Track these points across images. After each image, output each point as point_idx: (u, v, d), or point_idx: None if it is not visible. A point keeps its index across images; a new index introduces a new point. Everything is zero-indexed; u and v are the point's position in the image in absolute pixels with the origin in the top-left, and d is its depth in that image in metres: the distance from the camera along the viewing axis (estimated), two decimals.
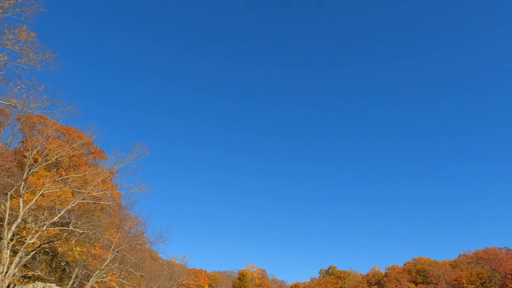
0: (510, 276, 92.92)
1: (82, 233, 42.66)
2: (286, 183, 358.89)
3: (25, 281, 42.31)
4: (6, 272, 34.53)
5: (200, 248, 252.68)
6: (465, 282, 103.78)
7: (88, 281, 45.58)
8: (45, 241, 40.48)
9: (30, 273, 40.82)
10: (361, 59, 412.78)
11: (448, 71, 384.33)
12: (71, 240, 44.95)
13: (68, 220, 41.37)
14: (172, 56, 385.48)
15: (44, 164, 41.70)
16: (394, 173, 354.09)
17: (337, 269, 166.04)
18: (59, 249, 45.61)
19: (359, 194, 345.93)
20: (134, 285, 54.34)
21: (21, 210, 36.56)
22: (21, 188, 38.57)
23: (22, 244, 37.38)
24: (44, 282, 44.29)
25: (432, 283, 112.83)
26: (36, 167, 40.10)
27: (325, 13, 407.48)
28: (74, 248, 45.99)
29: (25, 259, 37.10)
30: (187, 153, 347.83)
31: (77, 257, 46.39)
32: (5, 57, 28.03)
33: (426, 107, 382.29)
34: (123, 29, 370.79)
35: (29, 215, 38.81)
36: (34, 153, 39.85)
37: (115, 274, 48.28)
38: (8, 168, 45.00)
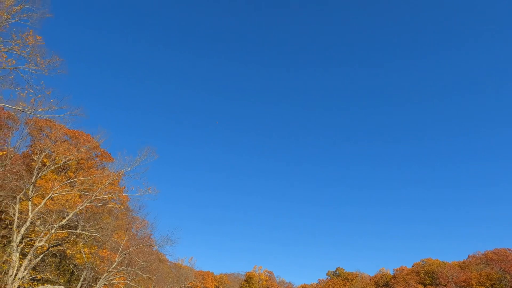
0: None
1: (90, 235, 42.91)
2: (292, 184, 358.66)
3: (34, 283, 42.63)
4: (16, 274, 34.82)
5: (207, 250, 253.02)
6: (474, 283, 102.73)
7: (96, 283, 45.83)
8: (54, 244, 40.78)
9: (39, 276, 41.12)
10: (361, 59, 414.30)
11: (448, 71, 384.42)
12: (79, 243, 45.23)
13: (76, 223, 41.64)
14: (172, 56, 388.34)
15: (52, 168, 42.06)
16: (401, 173, 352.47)
17: (344, 271, 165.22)
18: (68, 251, 45.91)
19: (367, 195, 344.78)
20: (142, 287, 54.50)
21: (29, 213, 36.88)
22: (30, 192, 38.92)
23: (31, 247, 37.69)
24: (53, 285, 44.62)
25: (441, 284, 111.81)
26: (44, 171, 40.46)
27: (325, 13, 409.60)
28: (82, 251, 46.26)
29: (34, 262, 37.39)
30: (191, 154, 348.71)
31: (85, 260, 46.67)
32: (13, 62, 28.37)
33: (433, 107, 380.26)
34: (122, 30, 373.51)
35: (37, 218, 39.13)
36: (42, 156, 40.21)
37: (122, 276, 48.49)
38: (17, 172, 45.47)
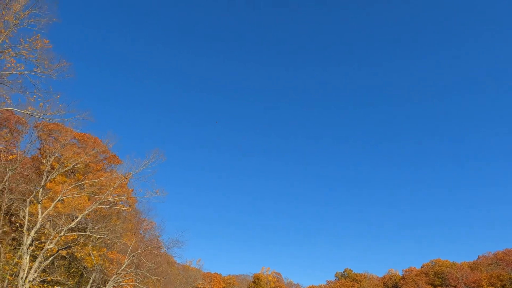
0: None
1: (98, 238, 43.24)
2: (299, 185, 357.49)
3: (44, 285, 43.05)
4: (26, 277, 35.20)
5: (215, 251, 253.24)
6: (485, 284, 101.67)
7: (105, 285, 46.16)
8: (63, 247, 41.16)
9: (49, 278, 41.52)
10: (361, 58, 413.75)
11: (449, 71, 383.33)
12: (88, 245, 45.62)
13: (85, 225, 42.00)
14: (173, 56, 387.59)
15: (61, 171, 42.49)
16: (410, 174, 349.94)
17: (353, 272, 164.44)
18: (77, 254, 46.32)
19: (375, 195, 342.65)
20: None
21: (39, 216, 37.27)
22: (39, 194, 39.34)
23: (41, 250, 38.07)
24: (63, 287, 45.05)
25: (451, 285, 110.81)
26: (53, 174, 40.88)
27: (325, 12, 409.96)
28: (91, 253, 46.64)
29: (44, 264, 37.77)
30: (198, 155, 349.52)
31: (94, 262, 47.03)
32: (22, 67, 28.78)
33: (437, 106, 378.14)
34: (121, 29, 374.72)
35: (47, 221, 39.54)
36: (51, 160, 40.64)
37: (131, 278, 48.78)
38: (27, 175, 46.01)
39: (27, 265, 35.51)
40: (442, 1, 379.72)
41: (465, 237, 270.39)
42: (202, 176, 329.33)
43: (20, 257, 37.45)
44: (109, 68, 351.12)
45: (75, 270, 53.11)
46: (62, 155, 41.91)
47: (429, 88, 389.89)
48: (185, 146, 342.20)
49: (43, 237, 40.48)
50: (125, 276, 47.32)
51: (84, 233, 40.92)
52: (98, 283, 47.89)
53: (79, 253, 46.11)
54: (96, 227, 41.83)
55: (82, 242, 44.39)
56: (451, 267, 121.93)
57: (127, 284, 47.44)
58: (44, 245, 37.87)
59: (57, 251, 40.11)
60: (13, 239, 45.96)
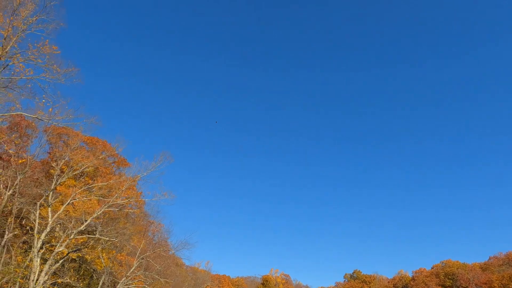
0: None
1: (108, 240, 43.56)
2: (308, 187, 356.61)
3: None
4: (37, 279, 35.58)
5: (223, 253, 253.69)
6: (496, 285, 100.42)
7: (115, 287, 46.46)
8: (73, 249, 41.52)
9: (59, 281, 41.89)
10: (362, 61, 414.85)
11: (450, 72, 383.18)
12: (98, 248, 45.96)
13: (95, 228, 42.34)
14: (174, 59, 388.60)
15: (71, 175, 42.93)
16: (419, 174, 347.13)
17: (362, 273, 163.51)
18: (87, 256, 46.70)
19: (384, 197, 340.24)
20: None
21: (49, 219, 37.67)
22: (50, 198, 39.76)
23: (51, 252, 38.45)
24: None
25: (462, 286, 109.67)
26: (63, 177, 41.30)
27: (326, 14, 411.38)
28: (101, 255, 46.98)
29: (54, 267, 38.14)
30: (205, 157, 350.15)
31: (104, 264, 47.36)
32: (31, 72, 29.16)
33: (441, 108, 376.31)
34: (122, 30, 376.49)
35: (57, 224, 39.93)
36: (61, 164, 41.08)
37: (140, 281, 49.03)
38: (37, 179, 46.54)
39: (38, 268, 35.88)
40: (443, 5, 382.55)
41: (476, 238, 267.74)
42: (209, 178, 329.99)
43: (31, 260, 37.86)
44: (111, 70, 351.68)
45: (85, 272, 53.53)
46: (71, 158, 42.35)
47: (430, 89, 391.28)
48: (191, 148, 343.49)
49: (53, 240, 40.88)
50: (134, 279, 47.59)
51: (94, 236, 41.25)
52: (108, 285, 48.22)
53: (89, 256, 46.47)
54: (105, 230, 42.15)
55: (92, 245, 44.75)
56: (462, 268, 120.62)
57: (136, 286, 47.71)
58: (54, 248, 38.25)
59: (67, 254, 40.48)
60: (24, 242, 46.48)
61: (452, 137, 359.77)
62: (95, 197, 42.90)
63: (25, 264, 40.97)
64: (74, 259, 48.48)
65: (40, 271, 36.30)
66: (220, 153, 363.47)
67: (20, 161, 42.57)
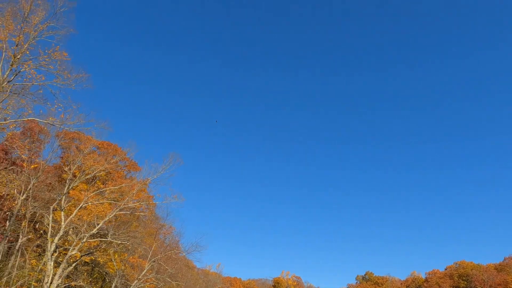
0: None
1: (120, 243, 43.88)
2: (319, 189, 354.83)
3: None
4: (51, 283, 36.01)
5: (234, 256, 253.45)
6: None
7: None
8: (86, 253, 41.94)
9: (72, 283, 42.34)
10: (363, 64, 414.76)
11: (451, 74, 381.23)
12: (110, 251, 46.35)
13: (106, 232, 42.70)
14: (173, 57, 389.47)
15: (83, 179, 43.42)
16: (431, 176, 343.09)
17: (374, 275, 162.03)
18: (99, 259, 47.13)
19: (396, 198, 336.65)
20: None
21: (62, 223, 38.12)
22: (62, 202, 40.25)
23: (65, 256, 38.90)
24: None
25: None
26: (75, 182, 41.78)
27: (327, 16, 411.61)
28: (113, 258, 47.37)
29: (67, 270, 38.56)
30: (214, 160, 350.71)
31: (116, 267, 47.73)
32: (43, 78, 29.62)
33: (447, 109, 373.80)
34: (122, 32, 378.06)
35: (70, 228, 40.40)
36: (74, 168, 41.56)
37: (152, 283, 49.29)
38: (50, 183, 47.17)
39: (52, 271, 36.30)
40: (442, 5, 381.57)
41: (490, 239, 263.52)
42: (220, 181, 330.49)
43: (45, 263, 38.32)
44: (111, 71, 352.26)
45: (98, 275, 54.03)
46: (83, 163, 42.83)
47: (431, 91, 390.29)
48: (198, 150, 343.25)
49: (66, 243, 41.36)
50: (146, 281, 47.88)
51: (106, 239, 41.61)
52: None
53: (102, 259, 46.89)
54: (117, 233, 42.48)
55: (104, 248, 45.14)
56: (476, 269, 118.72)
57: None
58: (67, 252, 38.69)
59: (80, 257, 40.92)
60: (38, 245, 47.10)
61: (467, 137, 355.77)
62: (107, 201, 43.30)
63: (39, 268, 41.49)
64: (87, 262, 48.96)
65: (54, 275, 36.72)
66: (228, 155, 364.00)
67: (33, 166, 43.18)
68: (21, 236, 43.10)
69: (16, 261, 42.91)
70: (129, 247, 49.20)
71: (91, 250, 43.05)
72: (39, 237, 46.53)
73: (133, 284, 44.99)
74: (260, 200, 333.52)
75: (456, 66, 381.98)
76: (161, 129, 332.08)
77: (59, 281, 36.79)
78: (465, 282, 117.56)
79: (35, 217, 46.21)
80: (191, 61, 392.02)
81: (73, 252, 37.78)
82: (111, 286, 48.86)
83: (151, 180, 45.59)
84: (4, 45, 27.96)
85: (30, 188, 41.54)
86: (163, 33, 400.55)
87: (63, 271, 37.49)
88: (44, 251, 42.80)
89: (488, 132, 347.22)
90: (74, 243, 38.40)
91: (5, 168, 41.90)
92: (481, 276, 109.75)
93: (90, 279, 51.07)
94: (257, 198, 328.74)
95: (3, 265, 43.30)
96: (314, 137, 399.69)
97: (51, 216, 38.76)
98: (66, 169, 43.33)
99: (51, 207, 39.51)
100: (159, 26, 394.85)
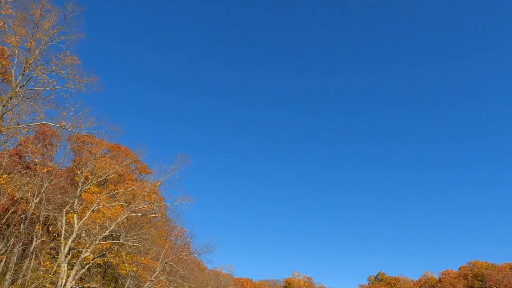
0: None
1: (132, 245, 44.23)
2: (331, 190, 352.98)
3: None
4: (64, 285, 36.43)
5: (245, 257, 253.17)
6: None
7: None
8: (99, 255, 42.36)
9: (86, 285, 42.77)
10: (363, 64, 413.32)
11: (451, 75, 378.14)
12: (122, 253, 46.74)
13: (118, 234, 43.08)
14: (172, 58, 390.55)
15: (95, 181, 43.88)
16: (444, 175, 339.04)
17: (386, 275, 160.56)
18: (112, 261, 47.55)
19: (409, 198, 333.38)
20: None
21: (75, 225, 38.57)
22: (75, 205, 40.73)
23: (78, 258, 39.34)
24: None
25: None
26: (87, 185, 42.24)
27: (327, 16, 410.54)
28: (125, 260, 47.75)
29: (81, 272, 38.98)
30: (223, 161, 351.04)
31: (128, 269, 48.10)
32: (54, 83, 30.05)
33: (450, 109, 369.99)
34: (125, 33, 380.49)
35: (83, 230, 40.84)
36: (86, 171, 42.04)
37: (164, 285, 49.54)
38: (62, 186, 47.77)
39: (65, 273, 36.74)
40: (442, 5, 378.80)
41: (504, 238, 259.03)
42: (220, 181, 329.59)
43: (59, 265, 38.79)
44: (112, 71, 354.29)
45: (111, 277, 54.51)
46: (95, 166, 43.28)
47: (431, 91, 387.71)
48: (199, 151, 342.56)
49: (79, 245, 41.83)
50: (158, 283, 48.13)
51: (118, 241, 41.97)
52: None
53: (114, 261, 47.29)
54: (129, 235, 42.81)
55: (116, 250, 45.54)
56: (491, 268, 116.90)
57: None
58: (80, 254, 39.12)
59: (93, 259, 41.33)
60: (52, 248, 47.71)
61: (467, 137, 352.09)
62: (119, 203, 43.68)
63: (53, 270, 42.01)
64: (100, 264, 49.42)
65: (68, 276, 37.15)
66: (228, 155, 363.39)
67: (46, 169, 43.76)
68: (35, 239, 43.71)
69: (30, 263, 43.54)
70: (141, 249, 49.54)
71: (104, 252, 43.45)
72: (53, 240, 47.13)
73: (145, 285, 45.27)
74: (260, 200, 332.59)
75: (456, 66, 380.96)
76: (160, 129, 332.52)
77: (73, 283, 37.19)
78: (480, 282, 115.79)
79: (48, 219, 46.82)
80: (191, 61, 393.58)
81: (86, 254, 38.17)
82: None
83: (161, 182, 45.88)
84: (16, 51, 28.45)
85: (43, 191, 42.11)
86: (163, 33, 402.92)
87: (76, 273, 37.89)
88: (57, 253, 43.32)
89: (488, 132, 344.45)
90: (87, 245, 38.80)
91: (19, 172, 42.55)
92: (496, 276, 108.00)
93: (103, 281, 51.55)
94: (257, 198, 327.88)
95: (18, 267, 43.97)
96: (314, 137, 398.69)
97: (64, 218, 39.23)
98: (78, 172, 43.84)
99: (64, 210, 40.00)
100: (159, 26, 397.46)
